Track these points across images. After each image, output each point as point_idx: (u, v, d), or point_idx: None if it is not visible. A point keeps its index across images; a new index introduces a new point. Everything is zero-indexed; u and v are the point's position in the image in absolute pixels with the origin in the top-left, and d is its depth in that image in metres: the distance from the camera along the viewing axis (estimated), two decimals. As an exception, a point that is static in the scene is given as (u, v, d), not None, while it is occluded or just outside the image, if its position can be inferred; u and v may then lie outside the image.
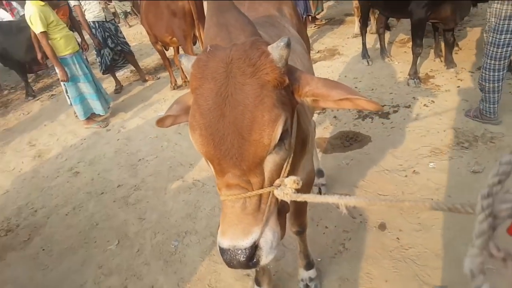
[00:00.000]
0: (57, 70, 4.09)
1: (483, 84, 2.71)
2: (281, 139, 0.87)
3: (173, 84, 5.15)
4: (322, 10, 6.31)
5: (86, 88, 4.34)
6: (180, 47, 4.91)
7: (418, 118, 3.14)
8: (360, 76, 4.13)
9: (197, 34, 4.26)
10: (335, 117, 3.47)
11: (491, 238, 0.45)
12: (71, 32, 4.47)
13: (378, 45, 4.88)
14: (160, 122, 1.11)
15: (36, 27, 3.82)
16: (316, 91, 0.93)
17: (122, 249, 2.51)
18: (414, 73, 3.64)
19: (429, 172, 2.50)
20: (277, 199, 0.91)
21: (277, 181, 0.89)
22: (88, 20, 4.94)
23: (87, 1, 4.79)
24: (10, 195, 3.52)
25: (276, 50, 0.87)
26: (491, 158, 2.47)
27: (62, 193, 3.34)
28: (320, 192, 2.63)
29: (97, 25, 4.98)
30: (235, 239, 0.84)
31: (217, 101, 0.86)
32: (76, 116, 4.81)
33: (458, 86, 3.43)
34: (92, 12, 4.90)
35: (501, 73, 2.60)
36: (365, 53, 4.44)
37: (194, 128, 0.89)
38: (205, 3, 4.87)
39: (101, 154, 3.87)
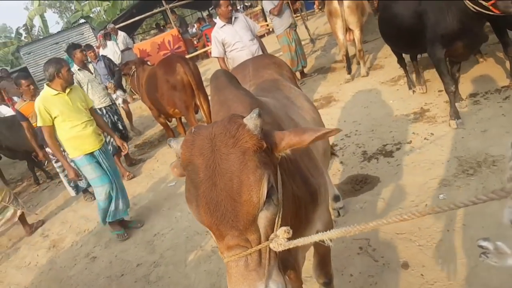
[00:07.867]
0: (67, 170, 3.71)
1: None
2: (269, 195, 1.04)
3: (179, 154, 5.51)
4: (305, 65, 6.74)
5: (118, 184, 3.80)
6: (182, 117, 5.37)
7: (421, 152, 3.39)
8: (359, 119, 4.47)
9: (198, 103, 4.71)
10: (341, 162, 3.73)
11: None
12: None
13: (364, 87, 5.30)
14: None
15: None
16: (291, 142, 1.12)
17: (151, 329, 2.63)
18: (454, 113, 3.51)
19: (441, 204, 2.69)
20: (275, 253, 1.05)
21: (271, 235, 1.05)
22: (95, 108, 4.28)
23: (89, 88, 4.75)
24: (29, 291, 3.68)
25: (250, 120, 1.08)
26: (497, 181, 2.67)
27: (81, 281, 3.50)
28: (338, 215, 2.92)
29: (104, 111, 5.02)
30: None
31: (207, 173, 1.03)
32: (86, 199, 5.12)
33: (454, 115, 3.73)
34: (98, 97, 4.86)
35: None
36: (410, 85, 4.63)
37: (191, 200, 1.06)
38: (202, 71, 5.39)
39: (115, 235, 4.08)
